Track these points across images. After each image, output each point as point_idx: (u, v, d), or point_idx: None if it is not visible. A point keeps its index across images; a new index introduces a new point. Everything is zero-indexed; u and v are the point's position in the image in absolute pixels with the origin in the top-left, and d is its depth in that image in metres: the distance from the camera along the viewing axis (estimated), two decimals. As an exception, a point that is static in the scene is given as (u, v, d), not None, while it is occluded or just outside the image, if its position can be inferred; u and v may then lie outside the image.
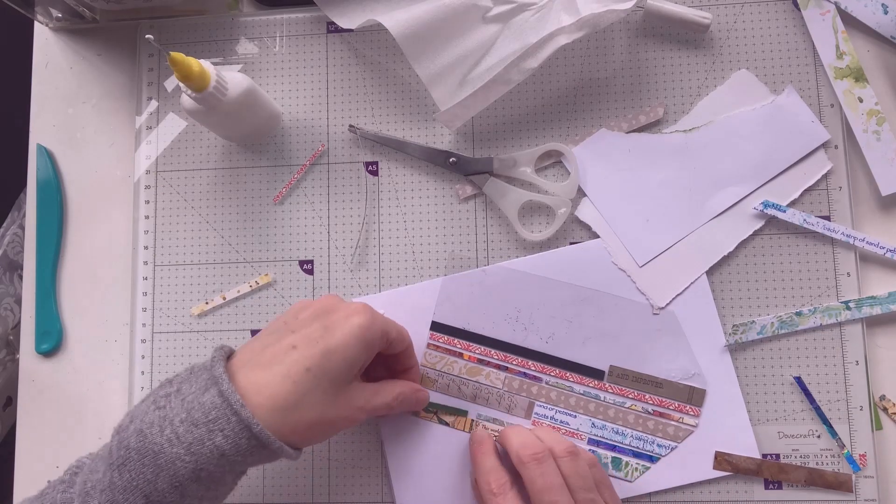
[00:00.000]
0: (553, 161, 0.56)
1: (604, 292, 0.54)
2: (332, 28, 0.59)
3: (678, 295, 0.53)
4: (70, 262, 0.60)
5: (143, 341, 0.58)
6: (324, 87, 0.59)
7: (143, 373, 0.57)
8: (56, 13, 0.61)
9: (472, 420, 0.54)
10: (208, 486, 0.41)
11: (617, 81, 0.57)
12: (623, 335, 0.53)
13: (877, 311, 0.52)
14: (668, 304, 0.53)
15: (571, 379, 0.53)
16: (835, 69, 0.54)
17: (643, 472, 0.52)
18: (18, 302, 0.67)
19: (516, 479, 0.48)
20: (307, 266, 0.57)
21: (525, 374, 0.54)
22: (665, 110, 0.56)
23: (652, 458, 0.52)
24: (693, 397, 0.53)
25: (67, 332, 0.59)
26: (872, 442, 0.51)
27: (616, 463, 0.53)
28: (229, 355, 0.45)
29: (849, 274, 0.53)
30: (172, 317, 0.58)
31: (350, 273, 0.57)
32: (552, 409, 0.53)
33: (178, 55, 0.46)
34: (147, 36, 0.45)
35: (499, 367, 0.54)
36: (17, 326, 0.67)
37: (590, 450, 0.53)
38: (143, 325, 0.58)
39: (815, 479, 0.51)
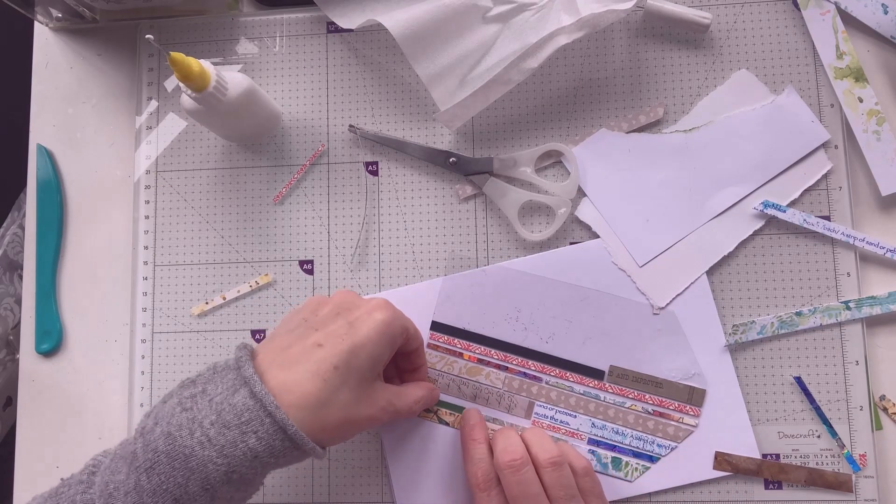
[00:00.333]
0: (553, 161, 0.56)
1: (604, 292, 0.54)
2: (332, 28, 0.59)
3: (678, 295, 0.53)
4: (70, 262, 0.60)
5: (143, 341, 0.58)
6: (324, 87, 0.59)
7: (143, 373, 0.57)
8: (56, 13, 0.61)
9: None
10: (238, 487, 0.41)
11: (617, 81, 0.57)
12: (623, 335, 0.53)
13: (877, 311, 0.52)
14: (668, 304, 0.53)
15: (571, 379, 0.53)
16: (835, 69, 0.54)
17: (643, 472, 0.52)
18: (18, 302, 0.67)
19: None
20: (307, 266, 0.57)
21: (525, 374, 0.54)
22: (665, 110, 0.56)
23: (652, 458, 0.52)
24: (693, 397, 0.53)
25: (67, 332, 0.59)
26: (872, 442, 0.51)
27: (616, 463, 0.53)
28: (252, 354, 0.44)
29: (849, 274, 0.53)
30: (172, 317, 0.58)
31: (350, 273, 0.57)
32: (552, 409, 0.53)
33: (178, 55, 0.46)
34: (147, 36, 0.45)
35: (499, 366, 0.54)
36: (17, 326, 0.67)
37: (589, 450, 0.53)
38: (143, 325, 0.58)
39: (816, 480, 0.51)
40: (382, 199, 0.57)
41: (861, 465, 0.51)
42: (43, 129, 0.62)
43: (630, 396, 0.53)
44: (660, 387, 0.53)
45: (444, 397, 0.54)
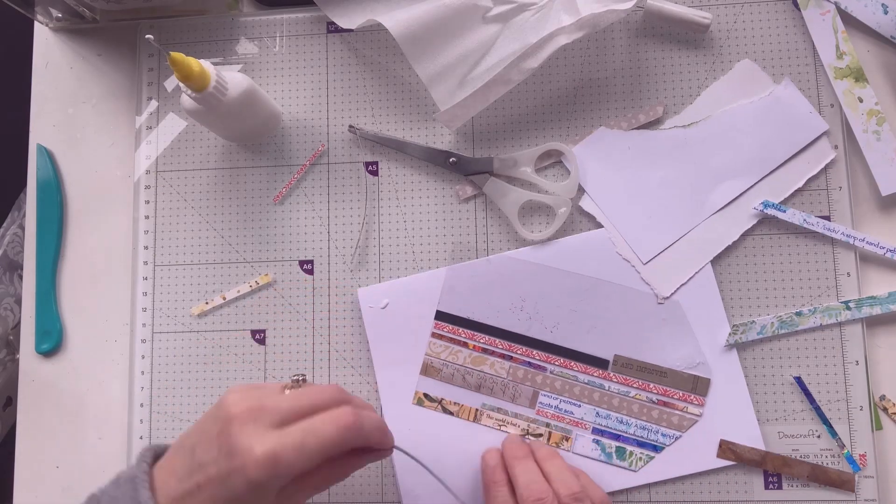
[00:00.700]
0: (553, 161, 0.56)
1: (608, 282, 0.54)
2: (332, 28, 0.59)
3: (683, 285, 0.53)
4: (70, 262, 0.60)
5: (143, 341, 0.58)
6: (324, 87, 0.59)
7: (143, 373, 0.57)
8: (56, 13, 0.61)
9: (477, 409, 0.54)
10: None
11: (617, 81, 0.57)
12: (627, 324, 0.53)
13: (877, 311, 0.52)
14: (672, 294, 0.53)
15: (576, 368, 0.54)
16: (835, 69, 0.54)
17: (647, 462, 0.52)
18: (18, 302, 0.67)
19: None
20: (307, 266, 0.57)
21: (530, 364, 0.54)
22: (665, 110, 0.56)
23: (656, 448, 0.52)
24: (697, 387, 0.53)
25: (67, 332, 0.59)
26: (872, 442, 0.51)
27: (620, 452, 0.53)
28: (158, 455, 0.42)
29: (849, 274, 0.53)
30: (172, 317, 0.58)
31: (350, 273, 0.57)
32: (557, 399, 0.54)
33: (178, 55, 0.46)
34: (147, 36, 0.45)
35: (503, 356, 0.54)
36: (17, 326, 0.67)
37: (593, 439, 0.53)
38: (143, 325, 0.58)
39: (819, 476, 0.51)
40: (382, 199, 0.57)
41: (861, 465, 0.51)
42: (43, 129, 0.62)
43: (634, 386, 0.53)
44: (664, 376, 0.53)
45: (449, 387, 0.54)
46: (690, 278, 0.53)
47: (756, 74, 0.55)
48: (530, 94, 0.57)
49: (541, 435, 0.53)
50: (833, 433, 0.52)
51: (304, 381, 0.43)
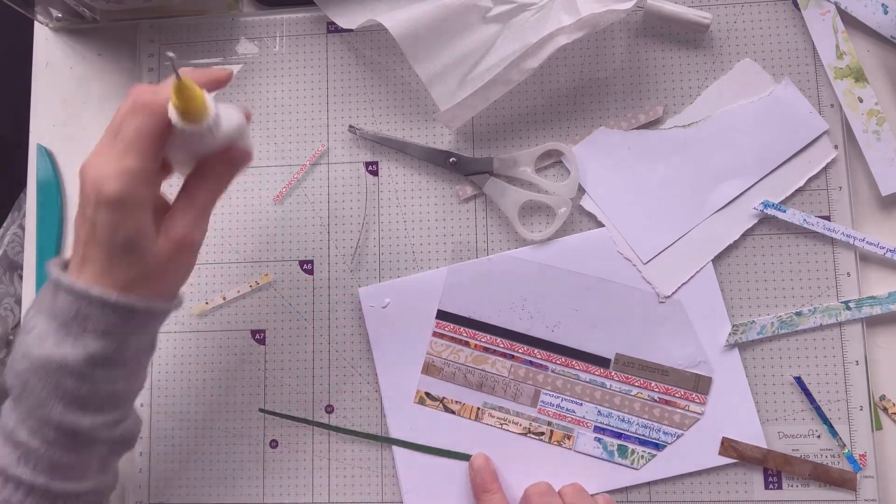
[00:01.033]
0: (553, 161, 0.56)
1: (609, 280, 0.54)
2: (332, 28, 0.59)
3: (684, 284, 0.53)
4: (70, 262, 0.60)
5: (143, 341, 0.58)
6: (324, 87, 0.59)
7: (143, 373, 0.57)
8: (56, 13, 0.61)
9: (478, 408, 0.54)
10: (113, 364, 0.42)
11: (617, 81, 0.57)
12: (629, 323, 0.54)
13: (877, 311, 0.52)
14: (673, 293, 0.53)
15: (577, 367, 0.54)
16: (835, 69, 0.55)
17: (649, 460, 0.52)
18: (18, 302, 0.67)
19: None
20: (307, 266, 0.57)
21: (531, 363, 0.54)
22: (665, 110, 0.56)
23: (658, 446, 0.52)
24: (699, 385, 0.53)
25: (67, 332, 0.59)
26: (872, 442, 0.51)
27: (622, 451, 0.53)
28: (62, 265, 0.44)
29: (849, 274, 0.53)
30: (172, 317, 0.57)
31: (350, 273, 0.57)
32: (558, 398, 0.54)
33: (189, 82, 0.40)
34: (169, 54, 0.42)
35: (505, 355, 0.54)
36: (17, 326, 0.67)
37: (595, 438, 0.53)
38: (143, 325, 0.58)
39: (820, 474, 0.51)
40: (382, 199, 0.57)
41: (861, 465, 0.51)
42: (43, 129, 0.62)
43: (636, 384, 0.53)
44: (666, 374, 0.53)
45: (450, 386, 0.54)
46: (691, 277, 0.54)
47: (756, 74, 0.55)
48: (530, 94, 0.57)
49: (542, 433, 0.53)
50: (833, 433, 0.52)
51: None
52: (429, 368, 0.55)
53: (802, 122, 0.54)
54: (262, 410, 0.56)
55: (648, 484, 0.53)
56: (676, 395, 0.53)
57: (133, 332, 0.42)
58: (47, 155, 0.61)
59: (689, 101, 0.56)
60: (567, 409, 0.53)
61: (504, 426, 0.54)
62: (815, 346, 0.53)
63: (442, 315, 0.55)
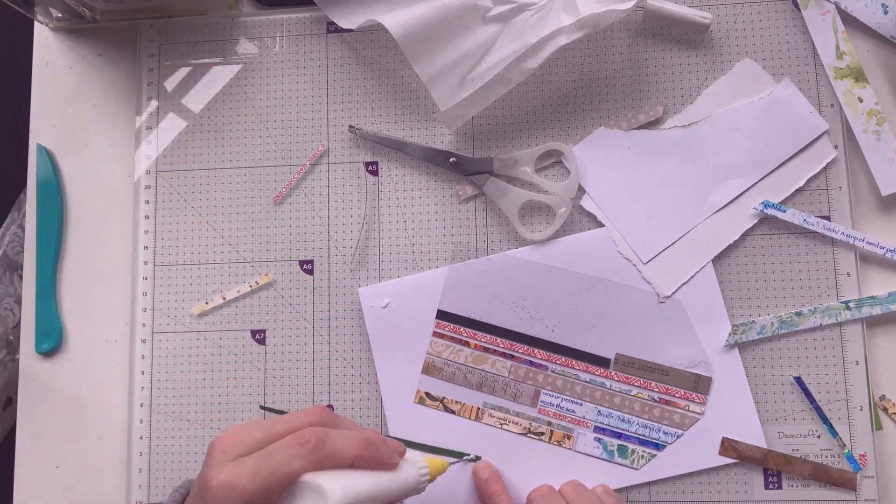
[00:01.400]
0: (553, 161, 0.56)
1: (609, 281, 0.54)
2: (332, 28, 0.59)
3: (684, 284, 0.53)
4: (70, 262, 0.60)
5: (143, 341, 0.58)
6: (324, 87, 0.59)
7: (143, 373, 0.57)
8: (56, 13, 0.61)
9: (478, 408, 0.54)
10: None
11: (617, 81, 0.57)
12: (629, 323, 0.54)
13: (877, 311, 0.52)
14: (673, 293, 0.53)
15: (577, 367, 0.54)
16: (835, 69, 0.54)
17: (649, 460, 0.52)
18: (18, 302, 0.67)
19: None
20: (307, 266, 0.57)
21: (531, 363, 0.54)
22: (665, 110, 0.56)
23: (658, 446, 0.52)
24: (699, 385, 0.53)
25: (67, 332, 0.59)
26: (872, 442, 0.51)
27: (622, 451, 0.53)
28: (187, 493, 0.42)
29: (849, 274, 0.53)
30: (172, 317, 0.58)
31: (350, 273, 0.57)
32: (558, 398, 0.54)
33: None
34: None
35: (505, 355, 0.54)
36: (17, 326, 0.67)
37: (595, 438, 0.53)
38: (143, 325, 0.58)
39: (821, 475, 0.51)
40: (382, 199, 0.57)
41: (861, 465, 0.51)
42: (43, 129, 0.62)
43: (636, 384, 0.53)
44: (666, 374, 0.53)
45: (450, 386, 0.54)
46: (691, 277, 0.54)
47: (756, 74, 0.55)
48: (530, 94, 0.57)
49: (542, 433, 0.53)
50: (833, 433, 0.52)
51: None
52: (429, 368, 0.55)
53: (802, 122, 0.54)
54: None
55: (648, 484, 0.53)
56: (676, 395, 0.53)
57: None
58: (47, 155, 0.61)
59: (689, 101, 0.56)
60: (567, 409, 0.53)
61: (504, 426, 0.54)
62: (815, 346, 0.53)
63: (442, 315, 0.55)
